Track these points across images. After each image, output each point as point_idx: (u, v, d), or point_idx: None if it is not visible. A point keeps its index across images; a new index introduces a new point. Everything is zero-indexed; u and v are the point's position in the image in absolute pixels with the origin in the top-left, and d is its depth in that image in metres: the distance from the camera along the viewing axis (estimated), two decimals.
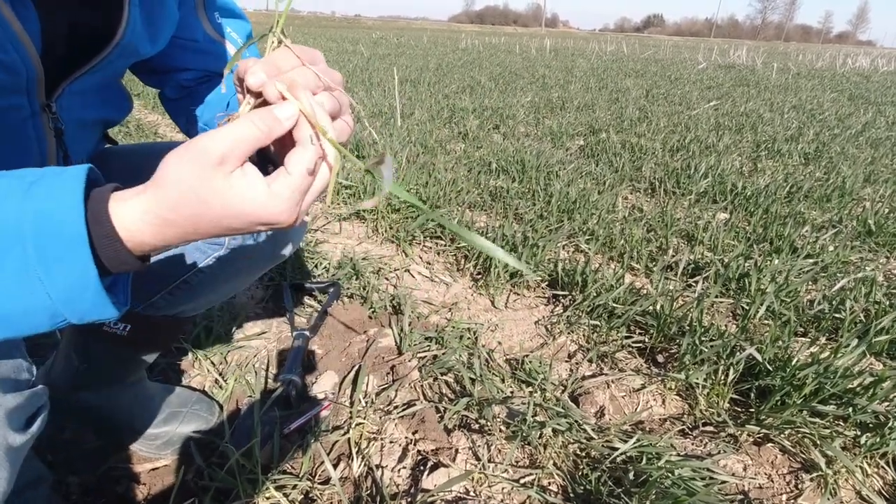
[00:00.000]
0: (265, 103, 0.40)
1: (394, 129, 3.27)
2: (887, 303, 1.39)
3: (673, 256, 1.67)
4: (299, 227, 0.71)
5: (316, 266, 1.60)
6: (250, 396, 1.06)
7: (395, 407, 1.03)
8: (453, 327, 1.31)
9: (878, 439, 0.95)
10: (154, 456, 0.92)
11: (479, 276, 1.59)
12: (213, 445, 0.93)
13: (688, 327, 1.23)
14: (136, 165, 0.76)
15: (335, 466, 0.89)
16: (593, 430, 0.99)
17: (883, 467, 0.95)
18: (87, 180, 0.36)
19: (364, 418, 0.99)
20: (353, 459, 0.90)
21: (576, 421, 1.00)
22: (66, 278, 0.34)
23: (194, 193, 0.36)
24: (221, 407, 1.03)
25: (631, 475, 0.88)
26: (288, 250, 0.83)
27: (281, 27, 0.42)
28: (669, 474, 0.86)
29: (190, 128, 0.79)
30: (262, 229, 0.39)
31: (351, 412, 1.01)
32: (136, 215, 0.36)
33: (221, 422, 0.98)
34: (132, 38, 0.55)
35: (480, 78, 6.38)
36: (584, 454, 0.95)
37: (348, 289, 1.47)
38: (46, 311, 0.35)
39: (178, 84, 0.74)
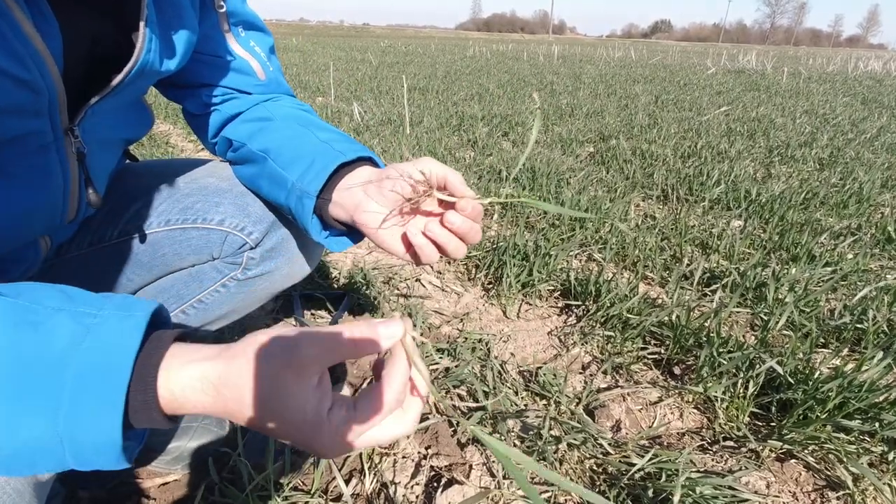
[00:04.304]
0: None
1: (403, 138, 3.28)
2: None
3: (688, 265, 1.64)
4: (317, 247, 0.70)
5: (326, 276, 1.60)
6: None
7: None
8: (465, 338, 1.30)
9: None
10: (164, 470, 0.91)
11: (491, 286, 1.57)
12: (224, 460, 0.92)
13: (705, 339, 1.21)
14: (154, 185, 0.76)
15: (347, 482, 0.87)
16: (610, 444, 0.97)
17: None
18: (145, 333, 0.36)
19: None
20: (365, 475, 0.88)
21: (591, 435, 0.98)
22: (87, 438, 0.33)
23: (266, 387, 0.35)
24: (230, 422, 1.02)
25: (650, 493, 0.86)
26: (306, 271, 0.83)
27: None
28: (690, 492, 0.84)
29: (214, 146, 0.79)
30: (299, 447, 0.38)
31: None
32: (192, 381, 0.36)
33: (232, 436, 0.96)
34: (150, 58, 0.55)
35: (489, 85, 6.39)
36: (600, 470, 0.93)
37: (359, 299, 1.46)
38: (55, 458, 0.34)
39: (201, 101, 0.73)
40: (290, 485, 0.84)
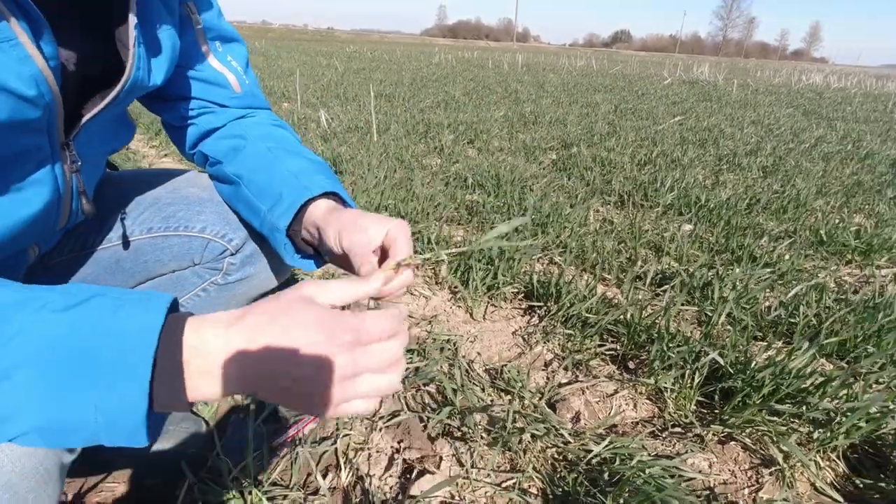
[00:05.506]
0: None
1: (370, 145, 3.32)
2: (836, 307, 1.50)
3: (642, 267, 1.75)
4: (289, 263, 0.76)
5: (299, 281, 1.63)
6: (237, 413, 1.08)
7: (381, 417, 1.07)
8: (434, 339, 1.36)
9: (828, 434, 1.03)
10: (141, 473, 0.93)
11: (458, 289, 1.64)
12: (201, 461, 0.94)
13: (656, 335, 1.31)
14: (136, 194, 0.79)
15: (324, 477, 0.91)
16: (570, 434, 1.04)
17: (834, 460, 1.03)
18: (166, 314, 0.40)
19: (350, 429, 1.02)
20: (341, 469, 0.93)
21: (553, 426, 1.05)
22: (117, 404, 0.37)
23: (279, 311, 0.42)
24: (208, 423, 1.04)
25: (606, 475, 0.94)
26: (284, 275, 0.87)
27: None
28: (641, 473, 0.92)
29: (192, 157, 0.82)
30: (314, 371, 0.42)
31: (337, 423, 1.04)
32: (215, 319, 0.41)
33: (209, 438, 0.99)
34: (140, 75, 0.58)
35: (454, 93, 6.49)
36: (561, 457, 1.00)
37: None
38: (89, 431, 0.37)
39: (179, 114, 0.77)
40: (270, 480, 0.88)
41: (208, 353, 0.40)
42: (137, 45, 0.57)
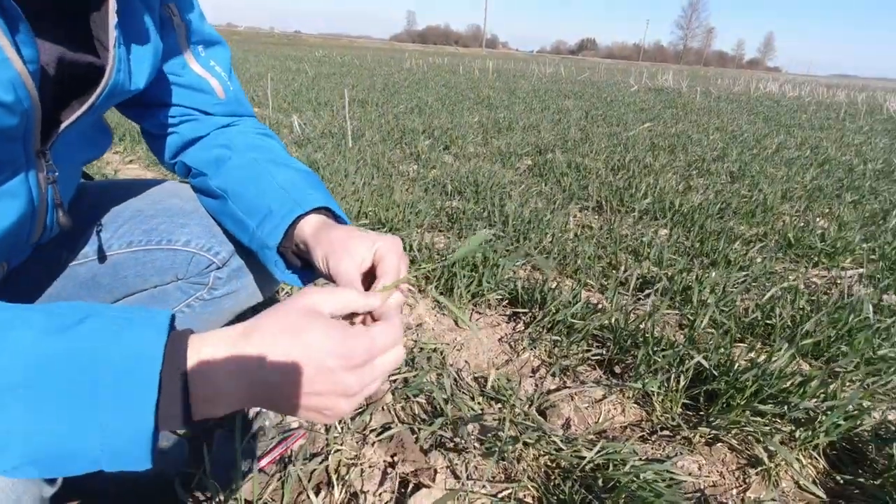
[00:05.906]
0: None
1: (346, 151, 3.28)
2: (809, 309, 1.55)
3: (624, 272, 1.78)
4: (279, 276, 0.72)
5: (288, 293, 1.58)
6: (220, 430, 1.03)
7: (372, 431, 1.04)
8: (420, 348, 1.34)
9: (810, 433, 1.06)
10: (118, 495, 0.88)
11: (443, 295, 1.63)
12: (187, 481, 0.90)
13: (641, 339, 1.32)
14: (112, 206, 0.75)
15: (316, 495, 0.89)
16: (562, 441, 1.04)
17: (815, 458, 1.06)
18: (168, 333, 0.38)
19: (341, 444, 0.99)
20: (333, 487, 0.90)
21: (545, 433, 1.05)
22: (123, 419, 0.35)
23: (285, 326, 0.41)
24: (189, 442, 1.00)
25: (600, 482, 0.94)
26: (272, 289, 0.84)
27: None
28: (635, 478, 0.93)
29: (173, 167, 0.78)
30: (324, 384, 0.41)
31: (327, 439, 1.01)
32: (218, 338, 0.40)
33: (193, 457, 0.95)
34: (120, 78, 0.55)
35: (427, 98, 6.50)
36: (555, 465, 1.00)
37: None
38: (89, 460, 0.36)
39: (159, 121, 0.73)
40: (261, 501, 0.84)
41: (216, 374, 0.39)
42: (118, 47, 0.54)
